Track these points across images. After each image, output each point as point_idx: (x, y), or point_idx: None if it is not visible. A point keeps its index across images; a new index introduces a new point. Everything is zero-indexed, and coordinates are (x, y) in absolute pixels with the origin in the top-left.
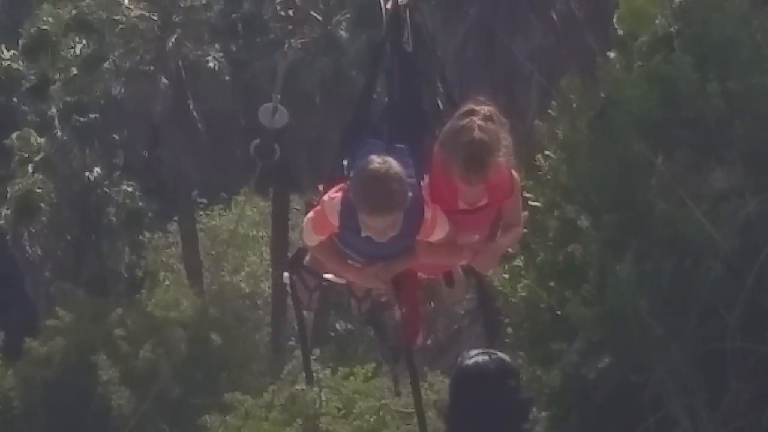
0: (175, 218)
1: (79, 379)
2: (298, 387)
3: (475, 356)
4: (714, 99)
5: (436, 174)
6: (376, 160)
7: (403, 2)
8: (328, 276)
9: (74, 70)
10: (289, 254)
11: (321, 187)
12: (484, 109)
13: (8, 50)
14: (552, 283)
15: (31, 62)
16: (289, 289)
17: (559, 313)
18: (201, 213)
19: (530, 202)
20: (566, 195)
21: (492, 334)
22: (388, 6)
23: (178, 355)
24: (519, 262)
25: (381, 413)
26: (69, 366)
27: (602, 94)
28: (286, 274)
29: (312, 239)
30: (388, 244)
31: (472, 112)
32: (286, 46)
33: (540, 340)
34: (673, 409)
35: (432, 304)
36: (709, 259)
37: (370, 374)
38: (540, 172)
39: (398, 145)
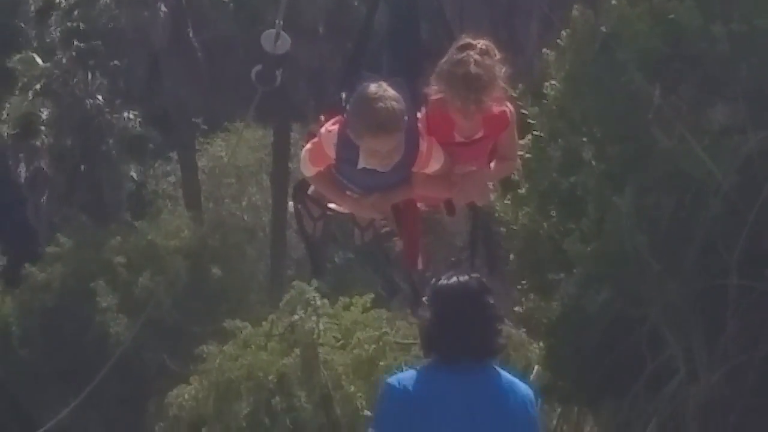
0: (175, 147)
1: (78, 305)
2: (296, 316)
3: (455, 275)
4: (718, 41)
5: (433, 106)
6: (372, 85)
7: None
8: (332, 206)
9: None
10: (290, 184)
11: (322, 118)
12: (480, 42)
13: None
14: (553, 213)
15: None
16: (294, 218)
17: (559, 243)
18: (201, 140)
19: (534, 132)
20: (571, 126)
21: (491, 264)
22: None
23: (177, 283)
24: (522, 190)
25: (380, 343)
26: (68, 292)
27: (604, 29)
28: (291, 203)
29: (309, 170)
30: (384, 175)
31: (468, 46)
32: None
33: (539, 270)
34: (669, 349)
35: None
36: (709, 196)
37: (368, 305)
38: (545, 101)
39: (395, 79)
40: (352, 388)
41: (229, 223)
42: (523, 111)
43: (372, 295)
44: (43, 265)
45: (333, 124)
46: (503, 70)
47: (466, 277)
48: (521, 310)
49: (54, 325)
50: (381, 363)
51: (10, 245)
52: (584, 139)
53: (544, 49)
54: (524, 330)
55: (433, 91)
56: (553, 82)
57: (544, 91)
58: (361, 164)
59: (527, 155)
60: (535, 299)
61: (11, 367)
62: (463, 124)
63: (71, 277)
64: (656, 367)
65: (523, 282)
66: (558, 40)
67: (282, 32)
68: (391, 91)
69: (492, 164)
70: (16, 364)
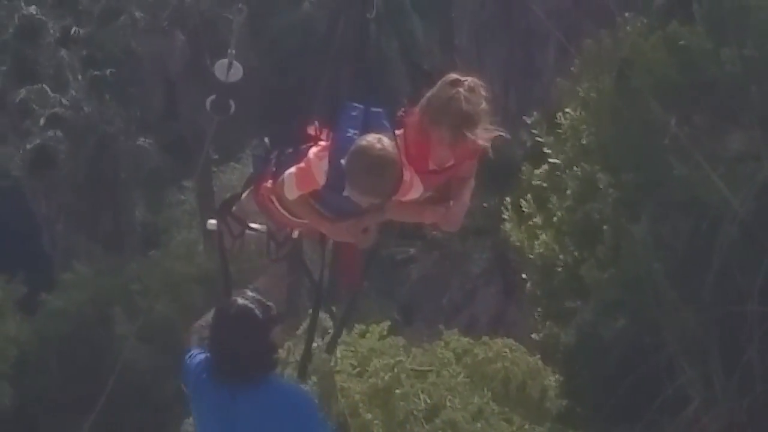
0: (191, 175)
1: (95, 333)
2: (314, 344)
3: (229, 300)
4: (729, 65)
5: (411, 136)
6: (375, 144)
7: None
8: (254, 225)
9: (91, 25)
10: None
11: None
12: (469, 80)
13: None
14: (568, 242)
15: (56, 16)
16: (214, 236)
17: (575, 270)
18: (215, 170)
19: (549, 159)
20: (586, 154)
21: (508, 291)
22: None
23: (194, 310)
24: (537, 218)
25: (396, 370)
26: (85, 320)
27: (620, 56)
28: (212, 221)
29: (293, 193)
30: (352, 201)
31: (457, 83)
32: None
33: (556, 297)
34: (686, 377)
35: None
36: (725, 223)
37: (385, 332)
38: (560, 130)
39: (374, 109)
40: (369, 416)
41: (244, 249)
42: (539, 139)
43: (388, 323)
44: (60, 293)
45: (322, 150)
46: (488, 107)
47: (239, 300)
48: (538, 338)
49: (71, 353)
50: (397, 391)
51: (28, 274)
52: (599, 167)
53: (559, 78)
54: (540, 357)
55: (416, 122)
56: (568, 110)
57: (558, 120)
58: (346, 192)
59: (543, 184)
60: (552, 326)
61: (28, 395)
62: (440, 153)
63: (88, 304)
64: (673, 393)
65: (540, 309)
66: (572, 69)
67: (234, 61)
68: (391, 154)
69: (459, 190)
70: (33, 392)
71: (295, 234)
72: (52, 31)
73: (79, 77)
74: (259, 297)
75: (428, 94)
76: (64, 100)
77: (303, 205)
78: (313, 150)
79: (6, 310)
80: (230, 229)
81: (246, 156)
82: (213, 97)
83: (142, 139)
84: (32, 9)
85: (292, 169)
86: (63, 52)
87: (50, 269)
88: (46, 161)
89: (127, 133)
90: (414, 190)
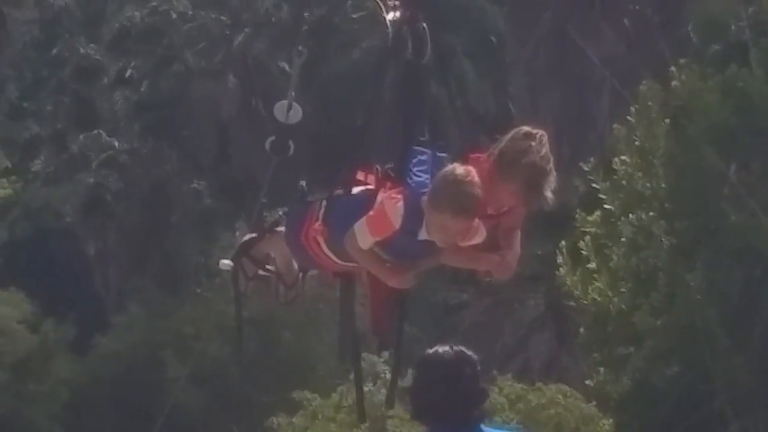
0: (243, 217)
1: (147, 375)
2: (366, 388)
3: (436, 347)
4: None
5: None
6: (460, 168)
7: (403, 17)
8: (269, 267)
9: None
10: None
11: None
12: (540, 133)
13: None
14: (623, 290)
15: (114, 57)
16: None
17: (628, 317)
18: (266, 213)
19: (605, 206)
20: (641, 201)
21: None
22: (389, 19)
23: (246, 353)
24: (592, 264)
25: None
26: (137, 362)
27: (676, 102)
28: (224, 261)
29: (367, 241)
30: (426, 246)
31: (530, 136)
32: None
33: (609, 343)
34: (738, 426)
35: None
36: None
37: None
38: (615, 177)
39: (440, 154)
40: None
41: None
42: (594, 185)
43: None
44: (113, 335)
45: (396, 194)
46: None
47: (446, 348)
48: (591, 384)
49: (123, 395)
50: None
51: (80, 316)
52: (654, 214)
53: (615, 124)
54: (594, 404)
55: (482, 166)
56: (623, 157)
57: (614, 166)
58: (421, 236)
59: (597, 231)
60: (605, 373)
61: None
62: (503, 200)
63: (141, 346)
64: None
65: (594, 355)
66: (628, 117)
67: (294, 103)
68: (477, 177)
69: (511, 240)
70: None
71: (308, 275)
72: (106, 73)
73: (132, 121)
74: (455, 345)
75: (500, 144)
76: (118, 143)
77: (368, 251)
78: (383, 196)
79: (57, 352)
80: (245, 271)
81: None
82: (272, 138)
83: (195, 182)
84: (90, 49)
85: (362, 219)
86: (118, 95)
87: (102, 311)
88: (98, 203)
89: (180, 175)
90: (479, 234)
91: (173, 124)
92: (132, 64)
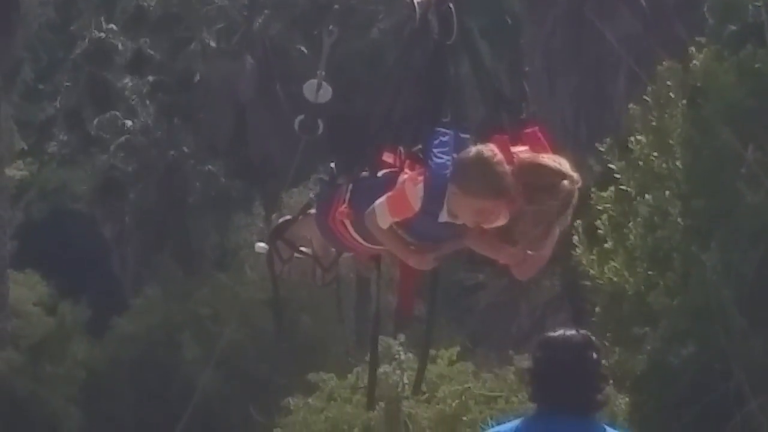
0: (261, 199)
1: (164, 357)
2: (381, 370)
3: (562, 329)
4: None
5: None
6: (485, 149)
7: None
8: (303, 249)
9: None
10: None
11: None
12: (575, 175)
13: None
14: (639, 269)
15: (128, 38)
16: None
17: (644, 297)
18: (282, 195)
19: (620, 186)
20: (657, 181)
21: (577, 317)
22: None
23: (263, 335)
24: (608, 244)
25: (464, 397)
26: (154, 344)
27: (692, 83)
28: (260, 244)
29: (387, 221)
30: (449, 228)
31: (563, 176)
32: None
33: (625, 324)
34: (755, 405)
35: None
36: None
37: (454, 358)
38: (631, 157)
39: (463, 135)
40: None
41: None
42: (610, 165)
43: (457, 348)
44: (130, 317)
45: (417, 175)
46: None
47: (573, 332)
48: (607, 363)
49: (140, 377)
50: (465, 417)
51: (96, 297)
52: (670, 194)
53: (631, 104)
54: (610, 383)
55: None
56: (639, 136)
57: (630, 146)
58: (442, 218)
59: (612, 210)
60: (621, 353)
61: (97, 418)
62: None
63: (158, 328)
64: (741, 420)
65: (609, 335)
66: (645, 97)
67: (324, 82)
68: (500, 157)
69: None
70: (103, 415)
71: (342, 257)
72: (123, 55)
73: (148, 102)
74: (579, 327)
75: (545, 159)
76: (132, 124)
77: (389, 231)
78: (404, 177)
79: (74, 334)
80: (279, 253)
81: (313, 180)
82: (301, 117)
83: (211, 163)
84: (102, 33)
85: (383, 198)
86: (134, 76)
87: (119, 293)
88: (114, 185)
89: (196, 157)
90: (502, 216)
91: (190, 106)
92: (148, 44)
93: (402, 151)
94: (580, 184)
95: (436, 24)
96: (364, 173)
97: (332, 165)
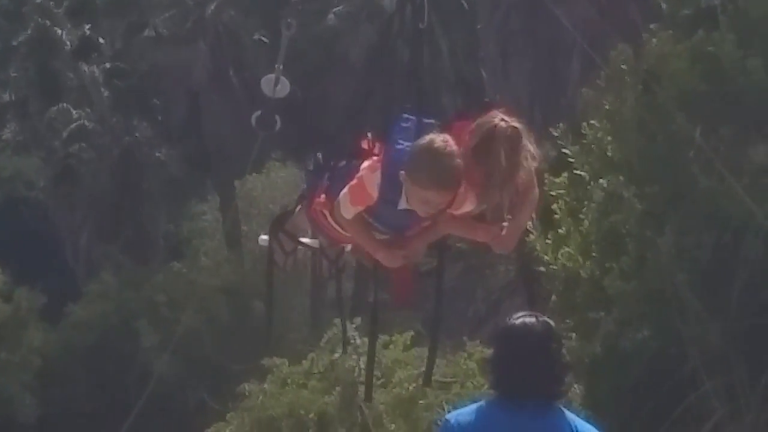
0: (214, 186)
1: (120, 344)
2: (336, 355)
3: (522, 316)
4: (755, 75)
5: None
6: (437, 138)
7: None
8: (304, 240)
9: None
10: None
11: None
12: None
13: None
14: (594, 254)
15: (74, 26)
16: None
17: (599, 282)
18: (236, 181)
19: (574, 171)
20: (611, 165)
21: (532, 303)
22: None
23: (218, 321)
24: (562, 229)
25: (419, 382)
26: (109, 331)
27: (646, 67)
28: (263, 237)
29: (349, 212)
30: (416, 215)
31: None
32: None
33: (580, 309)
34: (710, 388)
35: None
36: (749, 235)
37: (409, 343)
38: (585, 141)
39: (427, 121)
40: (393, 427)
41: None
42: (564, 150)
43: (411, 333)
44: (85, 304)
45: (375, 163)
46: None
47: (533, 319)
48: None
49: (95, 363)
50: (421, 401)
51: (51, 284)
52: (624, 179)
53: (584, 89)
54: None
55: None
56: (593, 121)
57: (584, 131)
58: (401, 206)
59: (566, 195)
60: (576, 338)
61: (53, 405)
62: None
63: (113, 315)
64: (696, 404)
65: (566, 321)
66: (597, 81)
67: (282, 77)
68: (453, 147)
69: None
70: (58, 402)
71: (348, 249)
72: (68, 43)
73: (102, 89)
74: (540, 315)
75: (479, 120)
76: (86, 113)
77: (358, 222)
78: (365, 164)
79: (29, 321)
80: (282, 245)
81: (266, 168)
82: (259, 112)
83: (165, 150)
84: (52, 16)
85: (345, 189)
86: (84, 65)
87: (74, 280)
88: (69, 174)
89: (151, 144)
90: (468, 202)
91: (143, 93)
92: (95, 30)
93: (369, 138)
94: (522, 134)
95: (410, 10)
96: (342, 162)
97: (319, 155)
